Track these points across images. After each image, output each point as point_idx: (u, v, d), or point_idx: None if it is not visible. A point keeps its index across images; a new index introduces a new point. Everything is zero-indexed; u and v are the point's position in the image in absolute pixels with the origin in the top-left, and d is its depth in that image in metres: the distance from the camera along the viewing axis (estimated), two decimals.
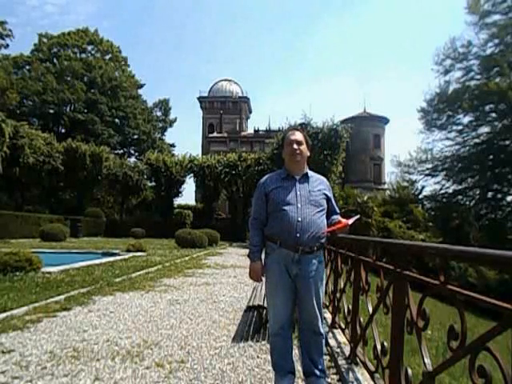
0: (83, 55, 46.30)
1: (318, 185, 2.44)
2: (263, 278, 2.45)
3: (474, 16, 26.64)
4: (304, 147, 2.43)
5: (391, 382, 2.05)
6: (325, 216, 2.40)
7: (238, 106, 51.01)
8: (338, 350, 3.19)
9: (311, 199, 2.34)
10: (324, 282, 2.42)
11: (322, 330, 2.37)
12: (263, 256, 2.43)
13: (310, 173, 2.47)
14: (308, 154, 2.46)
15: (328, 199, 2.46)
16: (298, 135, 2.45)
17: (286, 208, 2.29)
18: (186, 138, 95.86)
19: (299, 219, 2.26)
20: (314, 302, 2.32)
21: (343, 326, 3.50)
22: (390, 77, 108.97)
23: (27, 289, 5.43)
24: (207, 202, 30.49)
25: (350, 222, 2.40)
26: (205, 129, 50.16)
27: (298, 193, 2.34)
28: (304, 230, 2.25)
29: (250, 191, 28.97)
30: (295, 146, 2.40)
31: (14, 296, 4.89)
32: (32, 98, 39.99)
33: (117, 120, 45.68)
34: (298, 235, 2.25)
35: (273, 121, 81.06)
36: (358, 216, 2.61)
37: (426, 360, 1.71)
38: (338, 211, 2.52)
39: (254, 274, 2.42)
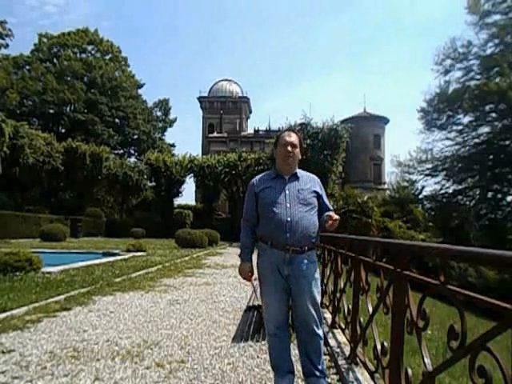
0: (83, 55, 46.27)
1: (308, 183, 2.40)
2: (253, 278, 2.48)
3: (474, 16, 26.63)
4: (297, 150, 2.41)
5: (391, 382, 2.05)
6: (316, 214, 2.36)
7: (238, 105, 50.99)
8: (338, 350, 3.19)
9: (301, 198, 2.31)
10: (319, 282, 2.36)
11: (318, 331, 2.29)
12: (254, 256, 2.42)
13: (300, 172, 2.44)
14: (300, 157, 2.44)
15: (319, 196, 2.41)
16: (294, 137, 2.41)
17: (274, 208, 2.27)
18: (186, 138, 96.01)
19: (288, 219, 2.24)
20: (308, 302, 2.27)
21: (343, 326, 3.51)
22: (390, 76, 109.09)
23: (27, 289, 5.43)
24: (207, 202, 30.51)
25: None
26: (205, 129, 50.15)
27: (287, 192, 2.32)
28: (294, 230, 2.23)
29: None
30: (289, 149, 2.37)
31: (14, 296, 4.89)
32: (32, 98, 39.97)
33: (117, 120, 45.67)
34: (287, 235, 2.23)
35: (273, 121, 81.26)
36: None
37: (426, 360, 1.71)
38: (330, 207, 2.45)
39: (243, 274, 2.47)
